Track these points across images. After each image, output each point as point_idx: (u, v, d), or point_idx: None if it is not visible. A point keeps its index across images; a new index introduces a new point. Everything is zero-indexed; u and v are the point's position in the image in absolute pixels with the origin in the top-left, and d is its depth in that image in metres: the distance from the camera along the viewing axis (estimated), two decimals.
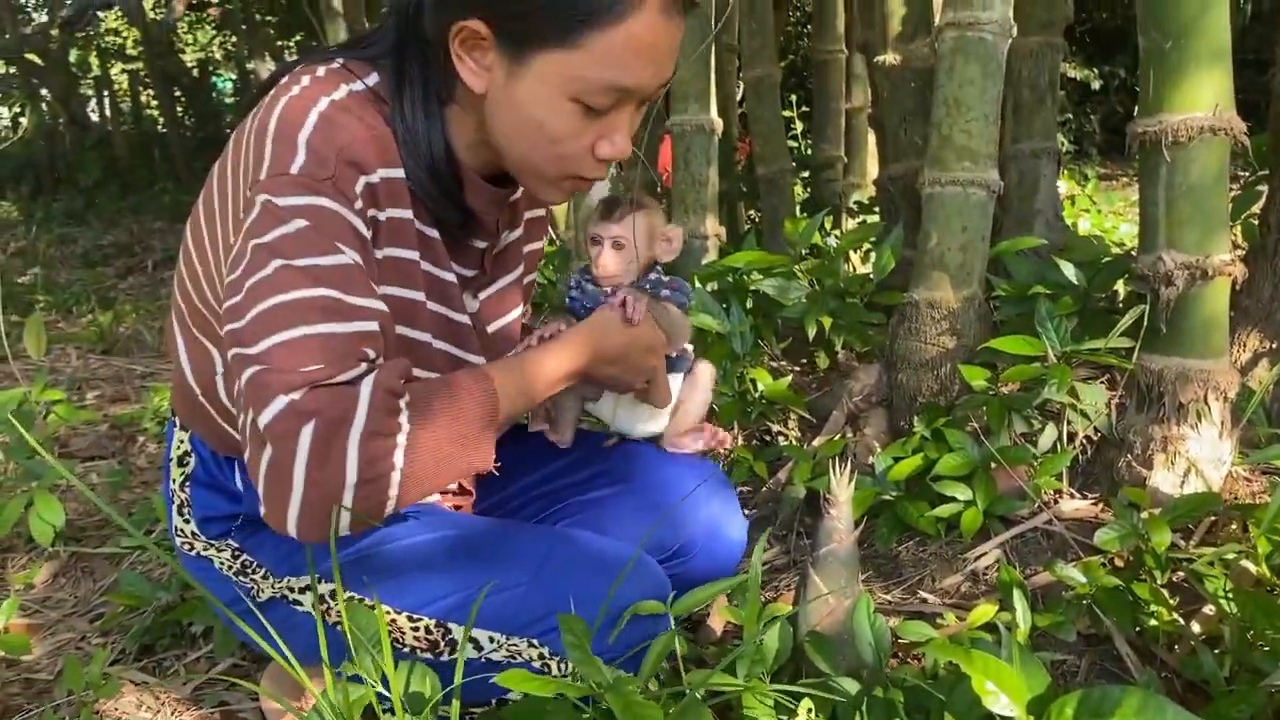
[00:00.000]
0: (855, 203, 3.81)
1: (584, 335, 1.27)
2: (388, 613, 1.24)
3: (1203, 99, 1.64)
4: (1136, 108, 1.76)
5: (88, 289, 5.39)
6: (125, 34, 12.33)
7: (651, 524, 1.40)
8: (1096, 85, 8.87)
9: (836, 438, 2.08)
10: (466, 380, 1.12)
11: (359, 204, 1.08)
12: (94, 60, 11.44)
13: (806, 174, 4.15)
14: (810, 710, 1.17)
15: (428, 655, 1.25)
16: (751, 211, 4.12)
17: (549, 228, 1.55)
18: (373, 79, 1.16)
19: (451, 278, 1.26)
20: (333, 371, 1.00)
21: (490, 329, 1.37)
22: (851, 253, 3.37)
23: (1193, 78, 1.64)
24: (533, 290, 1.53)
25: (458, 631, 1.23)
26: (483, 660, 1.23)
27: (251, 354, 1.00)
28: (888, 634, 1.25)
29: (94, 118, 12.22)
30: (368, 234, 1.10)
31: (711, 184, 2.70)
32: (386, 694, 1.10)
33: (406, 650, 1.25)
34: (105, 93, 11.76)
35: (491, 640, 1.23)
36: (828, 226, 3.50)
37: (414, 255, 1.19)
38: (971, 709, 1.11)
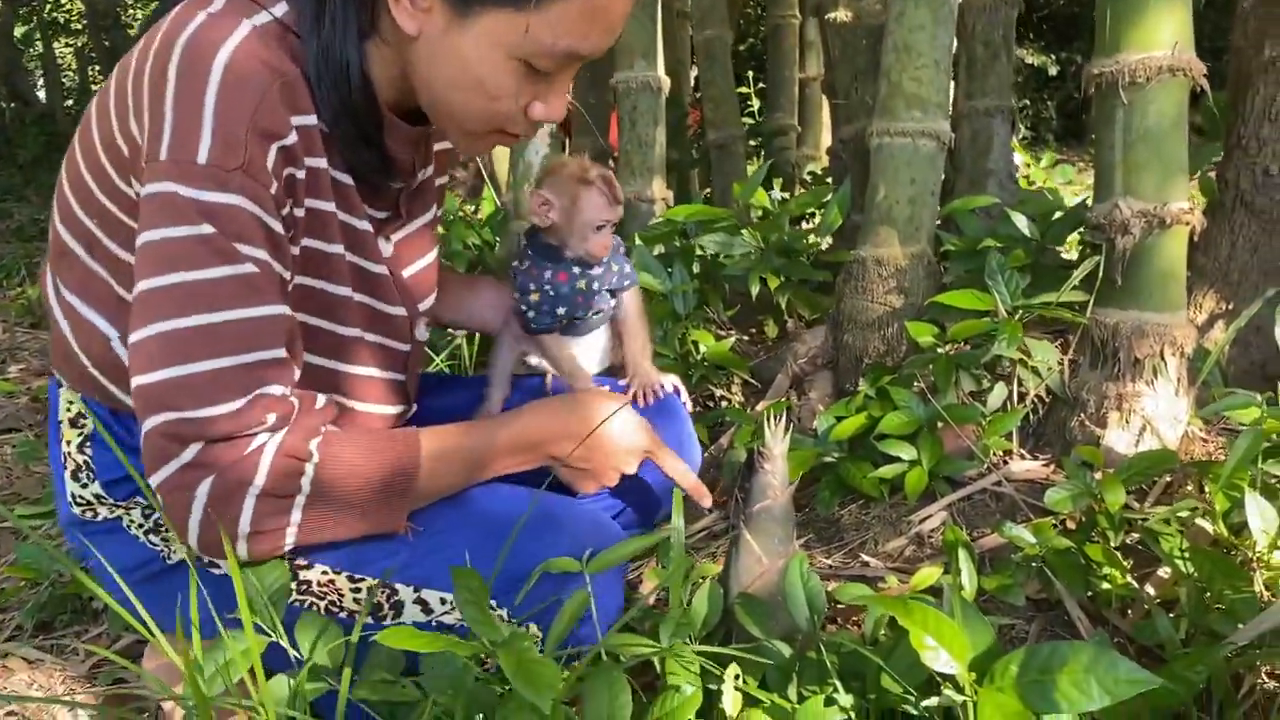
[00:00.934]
0: (809, 173, 3.73)
1: (564, 410, 1.22)
2: (324, 572, 1.15)
3: (1161, 38, 1.57)
4: (1093, 50, 1.67)
5: (19, 262, 5.20)
6: (70, 7, 12.02)
7: None
8: (1054, 71, 8.89)
9: (780, 401, 1.99)
10: (387, 445, 1.09)
11: (274, 186, 1.00)
12: (37, 35, 11.16)
13: (759, 142, 4.06)
14: (737, 676, 1.08)
15: (369, 619, 1.16)
16: (707, 190, 4.03)
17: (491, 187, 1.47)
18: (280, 8, 1.05)
19: (366, 225, 1.17)
20: (234, 424, 0.98)
21: (406, 274, 1.28)
22: (805, 225, 3.29)
23: (1151, 15, 1.56)
24: (437, 227, 1.42)
25: (404, 592, 1.15)
26: (434, 624, 1.15)
27: (148, 385, 0.97)
28: (822, 594, 1.16)
29: (41, 96, 11.91)
30: (280, 223, 1.02)
31: (658, 145, 2.60)
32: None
33: (345, 615, 1.16)
34: (49, 68, 11.47)
35: (444, 602, 1.14)
36: (778, 189, 3.41)
37: (330, 206, 1.10)
38: (911, 671, 1.02)
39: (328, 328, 1.15)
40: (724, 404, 2.11)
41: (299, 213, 1.06)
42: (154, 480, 0.99)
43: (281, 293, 1.03)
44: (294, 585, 1.14)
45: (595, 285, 1.38)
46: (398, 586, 1.14)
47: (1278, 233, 1.81)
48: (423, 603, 1.14)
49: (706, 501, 1.33)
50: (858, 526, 1.65)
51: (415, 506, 1.13)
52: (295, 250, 1.07)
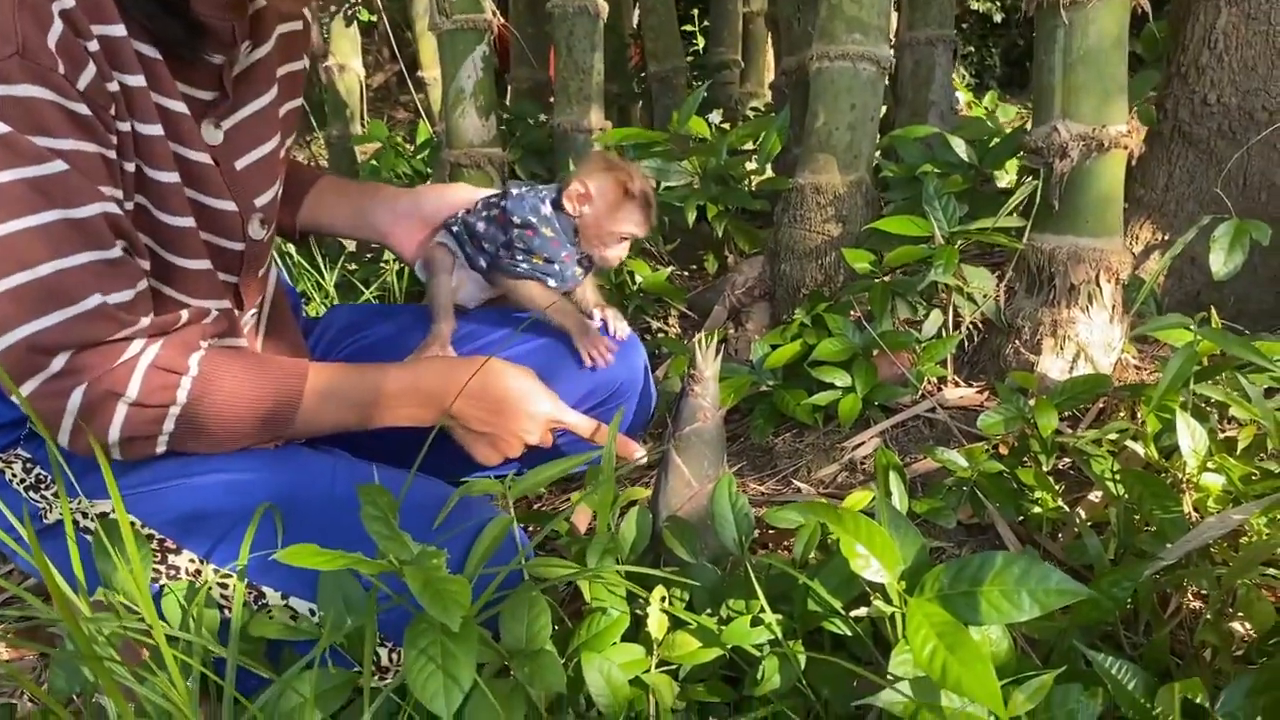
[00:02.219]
0: (751, 109, 3.67)
1: (464, 367, 1.18)
2: (192, 560, 1.08)
3: None
4: None
5: None
6: None
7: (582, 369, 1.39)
8: (998, 18, 8.84)
9: (716, 331, 1.96)
10: (271, 373, 1.08)
11: (62, 66, 0.89)
12: None
13: (701, 77, 3.99)
14: (664, 598, 1.05)
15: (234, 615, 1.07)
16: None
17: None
18: None
19: (181, 107, 1.05)
20: (89, 329, 0.94)
21: (239, 165, 1.15)
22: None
23: None
24: (295, 122, 1.29)
25: (271, 595, 1.07)
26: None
27: None
28: (750, 516, 1.13)
29: None
30: (82, 103, 0.92)
31: (596, 72, 2.52)
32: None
33: (217, 606, 1.09)
34: None
35: (312, 613, 1.07)
36: (718, 119, 3.35)
37: (140, 81, 0.99)
38: (839, 590, 1.00)
39: (160, 217, 1.05)
40: (660, 335, 2.08)
41: (112, 87, 0.96)
42: (24, 390, 0.94)
43: (106, 181, 0.95)
44: (163, 569, 1.08)
45: (583, 274, 1.43)
46: (265, 589, 1.07)
47: (1214, 163, 1.80)
48: (291, 610, 1.07)
49: (637, 455, 1.29)
50: (791, 454, 1.62)
51: (294, 437, 1.11)
52: (125, 127, 0.98)
